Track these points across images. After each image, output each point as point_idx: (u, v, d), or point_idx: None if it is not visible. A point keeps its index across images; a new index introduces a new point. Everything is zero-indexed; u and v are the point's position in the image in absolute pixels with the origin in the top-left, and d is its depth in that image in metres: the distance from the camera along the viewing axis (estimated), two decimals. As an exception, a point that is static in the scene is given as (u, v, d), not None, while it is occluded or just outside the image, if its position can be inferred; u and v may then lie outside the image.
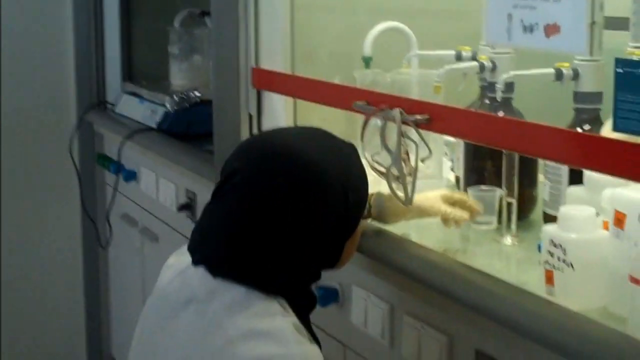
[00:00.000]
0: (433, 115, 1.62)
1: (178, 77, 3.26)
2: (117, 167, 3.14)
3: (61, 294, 3.64)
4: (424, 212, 1.75)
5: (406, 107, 1.67)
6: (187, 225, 2.74)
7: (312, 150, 1.40)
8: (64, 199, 3.57)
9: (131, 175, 3.12)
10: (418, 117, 1.63)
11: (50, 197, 3.58)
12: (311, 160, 1.38)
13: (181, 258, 1.49)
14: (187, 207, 2.71)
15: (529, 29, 1.38)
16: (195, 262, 1.43)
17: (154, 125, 2.97)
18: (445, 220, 1.76)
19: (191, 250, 1.45)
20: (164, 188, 2.88)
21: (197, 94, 2.99)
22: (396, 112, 1.65)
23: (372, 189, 1.59)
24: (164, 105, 2.98)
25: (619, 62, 1.22)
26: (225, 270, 1.39)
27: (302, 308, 1.43)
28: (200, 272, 1.41)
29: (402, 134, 1.64)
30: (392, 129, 1.70)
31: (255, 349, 1.31)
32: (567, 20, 1.32)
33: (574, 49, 1.35)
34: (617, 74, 1.23)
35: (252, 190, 1.37)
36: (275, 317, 1.35)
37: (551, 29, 1.34)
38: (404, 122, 1.65)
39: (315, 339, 1.42)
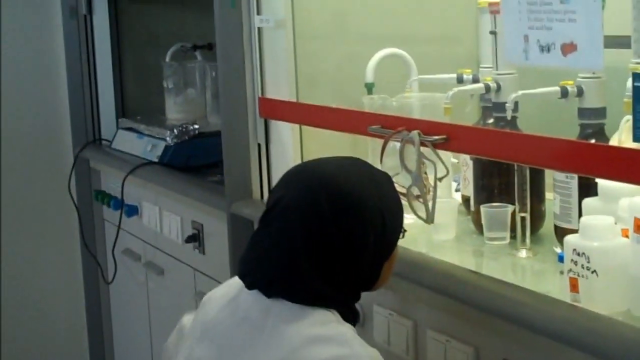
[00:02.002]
0: (450, 135, 1.69)
1: (174, 110, 3.33)
2: (118, 203, 3.18)
3: (64, 331, 3.66)
4: None
5: (423, 129, 1.74)
6: (194, 256, 2.79)
7: (351, 178, 1.50)
8: (64, 236, 3.61)
9: (132, 210, 3.16)
10: (435, 137, 1.70)
11: (50, 234, 3.62)
12: (350, 187, 1.48)
13: (228, 289, 1.56)
14: (194, 238, 2.75)
15: (545, 48, 1.46)
16: (248, 286, 1.50)
17: (154, 159, 3.02)
18: None
19: (242, 275, 1.52)
20: (169, 221, 2.93)
21: (196, 126, 3.05)
22: (414, 134, 1.72)
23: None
24: (163, 139, 3.04)
25: (636, 76, 1.30)
26: (279, 290, 1.47)
27: (349, 322, 1.51)
28: (254, 294, 1.49)
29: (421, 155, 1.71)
30: (409, 150, 1.77)
31: (322, 352, 1.40)
32: (584, 38, 1.40)
33: (592, 65, 1.42)
34: (634, 87, 1.30)
35: (297, 216, 1.47)
36: (333, 324, 1.45)
37: (568, 48, 1.42)
38: (422, 143, 1.72)
39: None
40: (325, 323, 1.44)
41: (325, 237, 1.45)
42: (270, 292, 1.47)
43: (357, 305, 1.93)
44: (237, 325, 1.49)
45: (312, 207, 1.46)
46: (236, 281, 1.56)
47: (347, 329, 1.45)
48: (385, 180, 1.58)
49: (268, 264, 1.48)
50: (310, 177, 1.50)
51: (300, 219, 1.46)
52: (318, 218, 1.45)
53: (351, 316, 1.56)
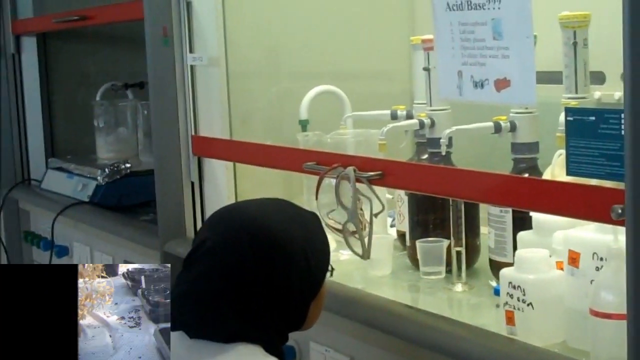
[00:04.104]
0: (385, 171, 1.70)
1: (105, 150, 3.28)
2: (48, 244, 3.12)
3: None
4: None
5: (358, 165, 1.74)
6: (127, 297, 2.74)
7: (274, 219, 1.49)
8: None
9: (63, 251, 3.10)
10: (371, 173, 1.71)
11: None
12: (273, 228, 1.47)
13: None
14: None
15: (479, 84, 1.47)
16: (172, 328, 1.46)
17: (85, 199, 2.97)
18: None
19: None
20: (100, 261, 2.87)
21: (128, 165, 3.01)
22: (350, 170, 1.72)
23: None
24: (94, 179, 3.00)
25: (569, 110, 1.32)
26: (199, 332, 1.45)
27: None
28: (179, 334, 1.45)
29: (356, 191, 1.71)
30: (345, 187, 1.76)
31: None
32: (517, 74, 1.42)
33: (525, 101, 1.44)
34: (568, 122, 1.32)
35: (219, 258, 1.45)
36: (260, 356, 1.42)
37: (501, 84, 1.43)
38: (358, 180, 1.72)
39: None
40: (252, 355, 1.42)
41: (247, 279, 1.43)
42: (192, 333, 1.45)
43: (293, 342, 1.94)
44: None
45: (233, 250, 1.44)
46: None
47: (274, 359, 1.43)
48: (311, 220, 1.56)
49: (186, 307, 1.45)
50: (233, 220, 1.49)
51: (221, 262, 1.44)
52: (239, 260, 1.44)
53: (278, 356, 1.53)
